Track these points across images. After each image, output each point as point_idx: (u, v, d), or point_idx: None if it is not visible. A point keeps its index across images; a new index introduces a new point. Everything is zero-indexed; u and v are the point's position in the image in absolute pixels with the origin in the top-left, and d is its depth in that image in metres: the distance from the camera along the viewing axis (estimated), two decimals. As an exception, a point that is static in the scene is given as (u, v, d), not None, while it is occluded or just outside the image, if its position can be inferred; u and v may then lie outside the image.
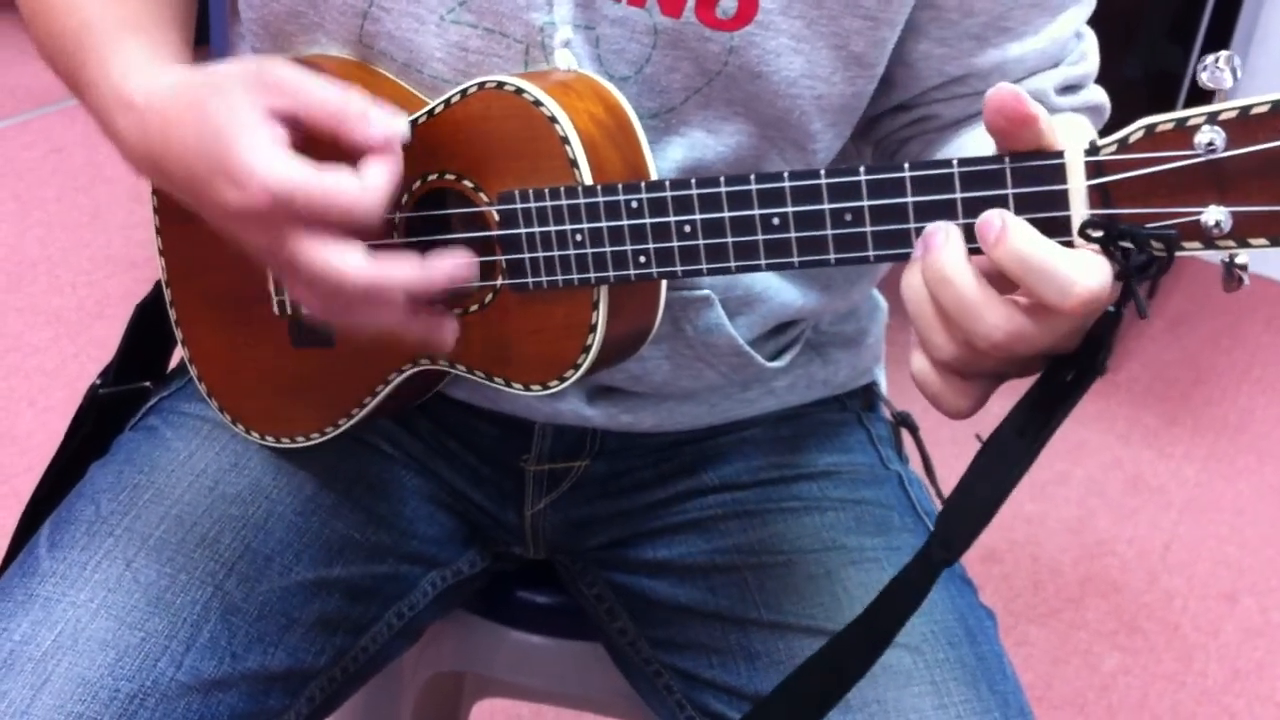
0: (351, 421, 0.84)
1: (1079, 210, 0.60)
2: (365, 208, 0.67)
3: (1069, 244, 0.60)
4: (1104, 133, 0.88)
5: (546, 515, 0.95)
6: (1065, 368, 0.63)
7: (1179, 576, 1.97)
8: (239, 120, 0.68)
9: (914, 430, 0.99)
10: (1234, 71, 0.58)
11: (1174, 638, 1.87)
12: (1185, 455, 2.23)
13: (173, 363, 0.98)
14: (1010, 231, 0.59)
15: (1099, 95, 0.88)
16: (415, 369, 0.80)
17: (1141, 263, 0.59)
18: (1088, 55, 0.87)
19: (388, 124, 0.69)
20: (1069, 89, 0.86)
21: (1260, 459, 2.23)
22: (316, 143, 0.69)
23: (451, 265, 0.70)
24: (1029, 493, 2.09)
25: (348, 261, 0.67)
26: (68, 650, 0.77)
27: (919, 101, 0.85)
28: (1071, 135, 0.62)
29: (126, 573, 0.81)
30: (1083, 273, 0.58)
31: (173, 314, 0.89)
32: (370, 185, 0.67)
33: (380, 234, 0.77)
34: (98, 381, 0.95)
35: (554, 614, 1.00)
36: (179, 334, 0.89)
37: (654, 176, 0.74)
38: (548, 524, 0.95)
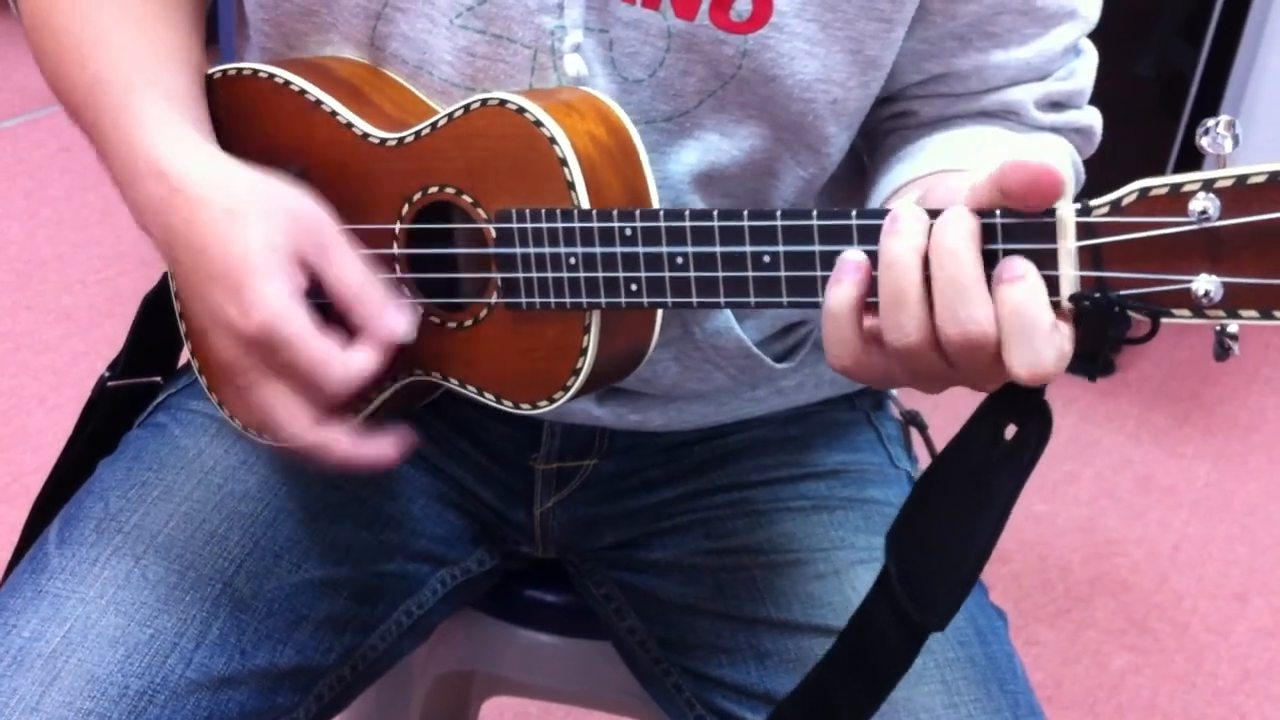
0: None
1: (1067, 270, 0.60)
2: (336, 385, 0.71)
3: (1056, 304, 0.60)
4: (1102, 146, 0.88)
5: (555, 514, 0.95)
6: (999, 414, 0.63)
7: (1189, 576, 1.96)
8: (267, 252, 0.71)
9: (923, 429, 0.99)
10: (1235, 138, 0.57)
11: (1184, 638, 1.86)
12: (1196, 455, 2.22)
13: (181, 360, 0.98)
14: (1026, 280, 0.59)
15: (1089, 118, 0.86)
16: (410, 379, 0.80)
17: (1123, 330, 0.59)
18: (1078, 73, 0.85)
19: (394, 324, 0.72)
20: (1054, 105, 0.85)
21: (1271, 459, 2.22)
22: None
23: (380, 448, 0.73)
24: (1039, 493, 2.09)
25: (293, 422, 0.72)
26: (77, 647, 0.77)
27: (899, 95, 0.85)
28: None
29: (135, 569, 0.81)
30: (1053, 356, 0.59)
31: (177, 306, 0.89)
32: (352, 368, 0.71)
33: (378, 244, 0.77)
34: (106, 374, 0.95)
35: (563, 613, 1.00)
36: (182, 327, 0.89)
37: (655, 200, 0.74)
38: (556, 523, 0.95)
